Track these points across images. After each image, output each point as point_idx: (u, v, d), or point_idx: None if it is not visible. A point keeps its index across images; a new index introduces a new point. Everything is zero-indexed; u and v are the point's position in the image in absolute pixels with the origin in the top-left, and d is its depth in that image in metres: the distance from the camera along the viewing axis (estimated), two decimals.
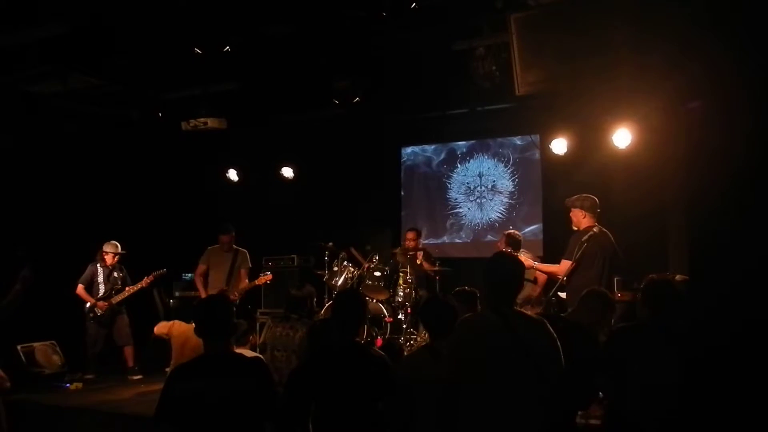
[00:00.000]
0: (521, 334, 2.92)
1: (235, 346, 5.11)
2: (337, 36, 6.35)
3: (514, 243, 7.13)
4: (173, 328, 6.33)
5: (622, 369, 3.40)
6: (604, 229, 5.80)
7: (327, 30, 6.22)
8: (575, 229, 5.94)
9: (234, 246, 7.84)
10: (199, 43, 6.18)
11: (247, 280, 7.73)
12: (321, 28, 6.16)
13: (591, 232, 5.76)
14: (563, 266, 5.75)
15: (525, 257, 6.31)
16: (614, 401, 3.48)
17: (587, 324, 4.09)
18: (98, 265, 7.57)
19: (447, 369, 3.12)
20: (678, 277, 5.32)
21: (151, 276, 7.64)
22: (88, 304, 7.44)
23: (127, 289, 7.57)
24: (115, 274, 7.60)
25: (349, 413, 3.39)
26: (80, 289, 7.47)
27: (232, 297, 7.41)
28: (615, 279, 5.68)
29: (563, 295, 5.87)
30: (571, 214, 6.01)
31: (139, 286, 7.61)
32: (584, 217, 5.90)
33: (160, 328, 6.43)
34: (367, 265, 7.69)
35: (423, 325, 4.30)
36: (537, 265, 6.23)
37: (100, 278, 7.53)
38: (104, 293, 7.50)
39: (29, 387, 6.77)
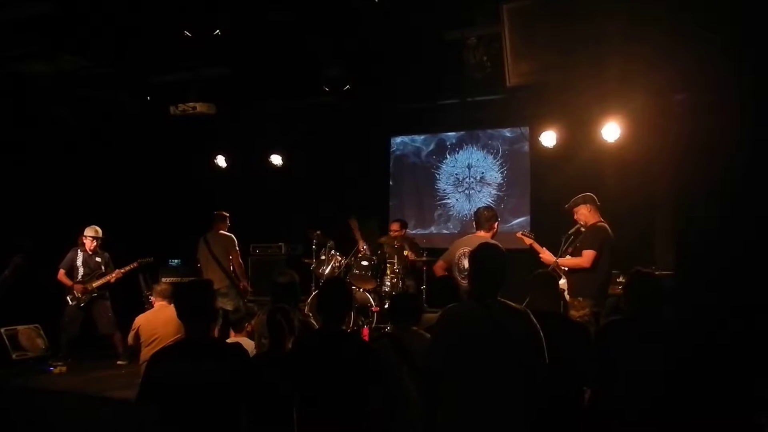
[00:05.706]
0: (504, 324, 2.95)
1: (234, 333, 5.13)
2: (329, 23, 6.31)
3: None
4: (138, 321, 6.01)
5: (612, 361, 3.43)
6: (602, 224, 5.72)
7: (319, 17, 6.17)
8: (582, 227, 5.75)
9: None
10: (189, 26, 6.11)
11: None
12: (313, 14, 6.12)
13: (576, 228, 5.75)
14: (585, 258, 5.55)
15: (547, 254, 6.04)
16: (601, 390, 3.51)
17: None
18: (78, 249, 7.51)
19: (429, 357, 3.13)
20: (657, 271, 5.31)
21: (135, 263, 7.62)
22: (67, 288, 7.38)
23: (109, 274, 7.50)
24: (97, 259, 7.54)
25: (332, 401, 3.38)
26: (61, 274, 7.40)
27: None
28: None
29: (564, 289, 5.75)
30: (576, 216, 5.78)
31: (122, 272, 7.56)
32: (590, 212, 5.70)
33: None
34: (362, 250, 7.64)
35: (390, 314, 4.39)
36: (560, 260, 5.78)
37: (79, 262, 7.46)
38: (82, 277, 7.43)
39: (12, 370, 6.73)
